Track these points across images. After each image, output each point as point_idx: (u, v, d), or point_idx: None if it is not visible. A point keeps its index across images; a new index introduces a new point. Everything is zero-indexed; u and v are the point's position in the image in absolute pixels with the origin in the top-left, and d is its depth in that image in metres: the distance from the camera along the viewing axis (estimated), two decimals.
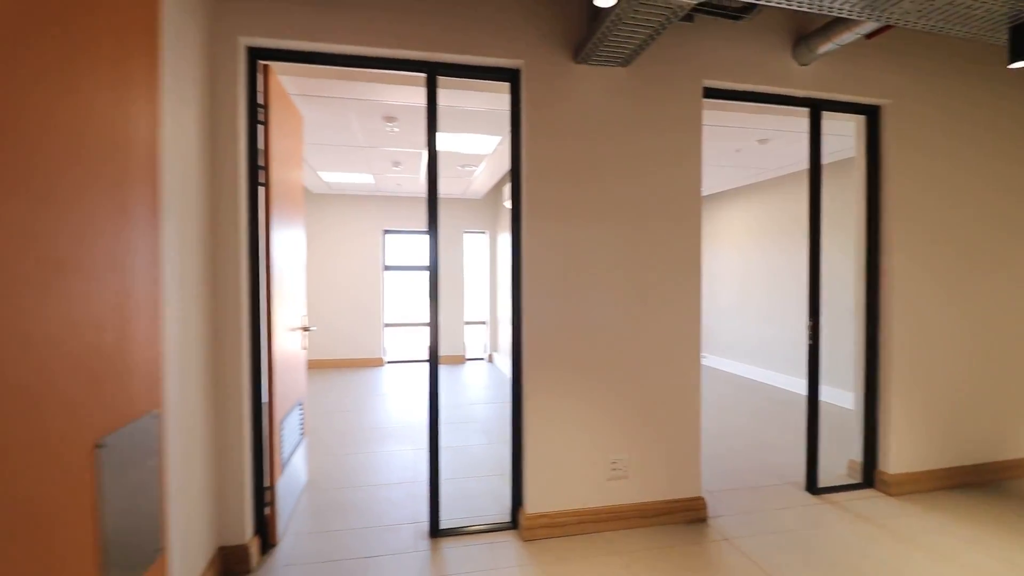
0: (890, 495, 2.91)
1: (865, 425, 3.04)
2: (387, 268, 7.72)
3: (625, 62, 2.42)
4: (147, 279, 0.73)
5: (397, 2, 2.29)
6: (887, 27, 2.45)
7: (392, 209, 7.59)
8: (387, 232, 7.70)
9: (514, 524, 2.55)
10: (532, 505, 2.45)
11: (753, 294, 6.40)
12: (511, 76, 2.50)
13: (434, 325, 2.48)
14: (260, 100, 2.33)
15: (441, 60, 2.40)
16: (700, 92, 2.61)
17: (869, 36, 2.71)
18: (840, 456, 3.51)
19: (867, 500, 2.86)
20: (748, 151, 4.73)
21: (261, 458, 2.34)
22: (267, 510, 2.36)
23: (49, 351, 0.52)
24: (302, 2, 2.21)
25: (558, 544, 2.39)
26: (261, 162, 2.34)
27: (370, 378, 6.62)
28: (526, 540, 2.42)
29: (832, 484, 3.02)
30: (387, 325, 7.81)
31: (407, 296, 10.90)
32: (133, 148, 0.69)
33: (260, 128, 2.34)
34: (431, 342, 2.48)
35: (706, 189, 6.88)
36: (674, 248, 2.59)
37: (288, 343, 2.64)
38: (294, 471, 2.78)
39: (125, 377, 0.65)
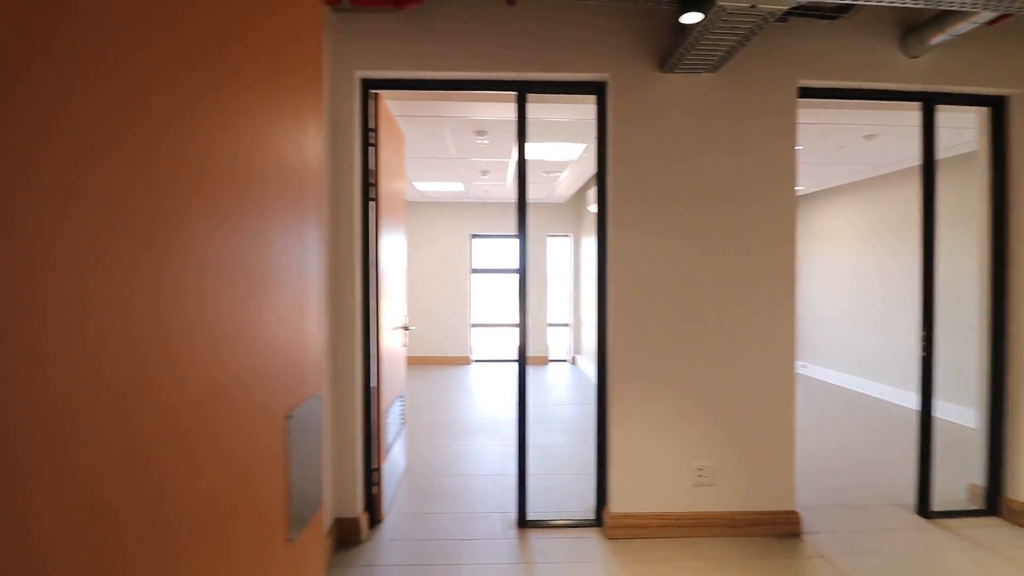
0: (1018, 525, 2.63)
1: (989, 446, 2.77)
2: (474, 271, 8.06)
3: (713, 68, 2.43)
4: (314, 288, 0.93)
5: (490, 31, 2.47)
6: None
7: (479, 215, 7.92)
8: (474, 236, 8.04)
9: (598, 522, 2.63)
10: (616, 505, 2.52)
11: (859, 299, 5.92)
12: (597, 89, 2.59)
13: (523, 327, 2.64)
14: (371, 124, 2.62)
15: (530, 79, 2.56)
16: (795, 92, 2.54)
17: (991, 22, 2.49)
18: (958, 479, 3.21)
19: (989, 528, 2.61)
20: (852, 147, 4.43)
21: (370, 443, 2.63)
22: (374, 490, 2.64)
23: (262, 346, 0.72)
24: (407, 39, 2.46)
25: (641, 545, 2.44)
26: (371, 179, 2.63)
27: (458, 375, 6.97)
28: (609, 538, 2.50)
29: (948, 509, 2.78)
30: (474, 325, 8.14)
31: (492, 298, 11.26)
32: (307, 179, 0.89)
33: (371, 149, 2.62)
34: (519, 343, 2.64)
35: (804, 187, 6.48)
36: (766, 253, 2.54)
37: (391, 340, 2.93)
38: (395, 457, 3.06)
39: (302, 366, 0.85)
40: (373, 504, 2.64)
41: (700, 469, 2.54)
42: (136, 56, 0.48)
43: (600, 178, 2.63)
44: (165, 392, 0.51)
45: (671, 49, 2.35)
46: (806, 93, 2.61)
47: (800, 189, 6.63)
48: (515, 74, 2.52)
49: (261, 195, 0.73)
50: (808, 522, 2.67)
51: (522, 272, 2.64)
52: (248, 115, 0.70)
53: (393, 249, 3.00)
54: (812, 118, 3.60)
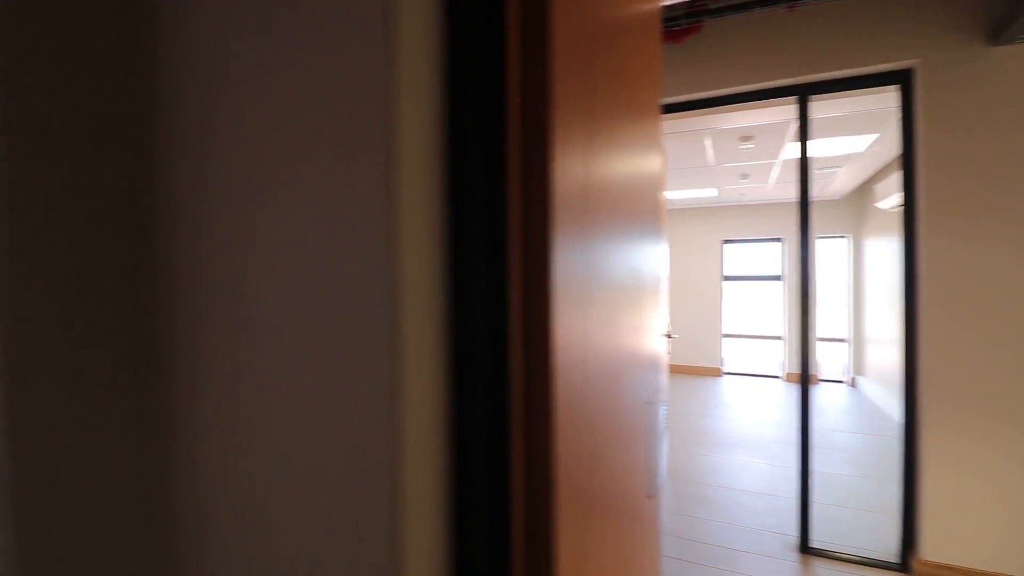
0: None
1: None
2: (725, 278, 7.66)
3: None
4: (659, 292, 1.18)
5: (767, 42, 2.45)
6: None
7: (732, 219, 7.51)
8: (725, 242, 7.64)
9: (903, 567, 2.31)
10: (930, 552, 2.18)
11: None
12: (900, 77, 2.31)
13: (805, 342, 2.51)
14: None
15: (814, 80, 2.43)
16: None
17: None
18: None
19: None
20: None
21: None
22: None
23: (639, 346, 0.98)
24: (682, 65, 2.62)
25: None
26: None
27: (709, 387, 6.73)
28: None
29: None
30: (725, 336, 7.73)
31: (747, 307, 10.46)
32: (659, 197, 1.15)
33: None
34: (802, 359, 2.52)
35: None
36: None
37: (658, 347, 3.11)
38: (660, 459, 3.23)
39: (652, 363, 1.10)
40: None
41: None
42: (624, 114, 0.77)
43: (906, 175, 2.33)
44: (609, 381, 0.79)
45: (1008, 17, 1.96)
46: None
47: None
48: (795, 79, 2.44)
49: (651, 215, 1.00)
50: None
51: (805, 280, 2.52)
52: (645, 149, 0.97)
53: (659, 256, 3.19)
54: None
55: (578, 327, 0.61)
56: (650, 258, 1.08)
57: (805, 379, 2.52)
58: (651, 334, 1.11)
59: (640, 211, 0.96)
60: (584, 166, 0.64)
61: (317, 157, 0.42)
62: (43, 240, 0.43)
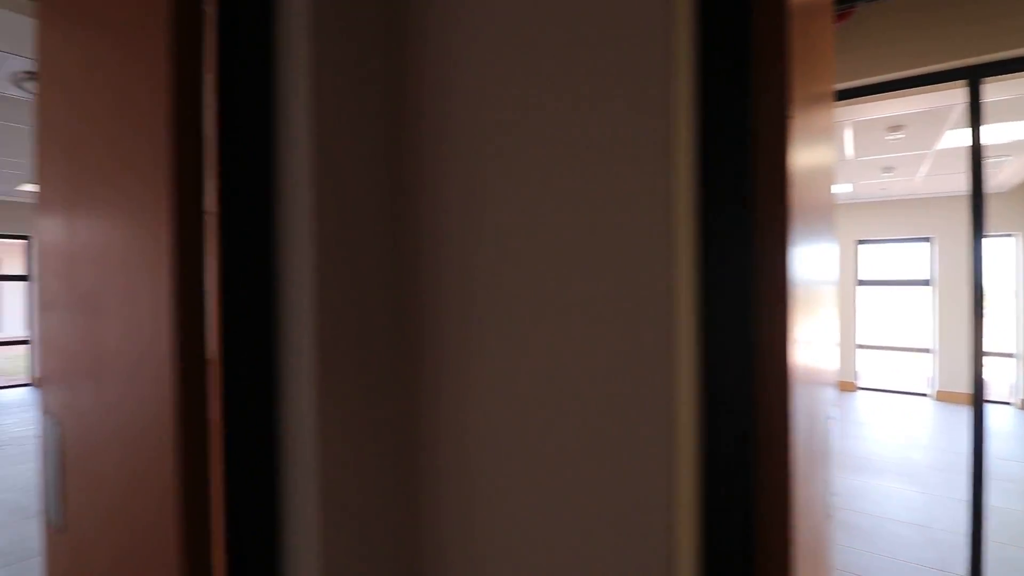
0: None
1: None
2: (860, 283, 6.92)
3: None
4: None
5: (931, 25, 2.21)
6: None
7: (869, 217, 6.76)
8: (860, 243, 6.91)
9: None
10: None
11: None
12: None
13: (978, 354, 2.22)
14: None
15: (988, 61, 2.16)
16: None
17: None
18: None
19: None
20: None
21: None
22: None
23: (827, 369, 0.94)
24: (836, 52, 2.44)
25: None
26: None
27: (844, 403, 6.12)
28: None
29: None
30: (859, 347, 6.98)
31: (884, 314, 9.38)
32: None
33: None
34: (975, 376, 2.23)
35: None
36: None
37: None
38: None
39: (830, 377, 1.05)
40: None
41: None
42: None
43: None
44: (811, 393, 0.78)
45: None
46: None
47: None
48: (962, 61, 2.18)
49: (831, 213, 0.97)
50: None
51: (978, 286, 2.22)
52: (832, 140, 0.95)
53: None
54: None
55: (796, 334, 0.61)
56: (831, 260, 1.04)
57: (979, 398, 2.23)
58: (830, 344, 1.06)
59: (827, 208, 0.93)
60: (797, 154, 0.63)
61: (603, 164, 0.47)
62: (347, 264, 0.54)
